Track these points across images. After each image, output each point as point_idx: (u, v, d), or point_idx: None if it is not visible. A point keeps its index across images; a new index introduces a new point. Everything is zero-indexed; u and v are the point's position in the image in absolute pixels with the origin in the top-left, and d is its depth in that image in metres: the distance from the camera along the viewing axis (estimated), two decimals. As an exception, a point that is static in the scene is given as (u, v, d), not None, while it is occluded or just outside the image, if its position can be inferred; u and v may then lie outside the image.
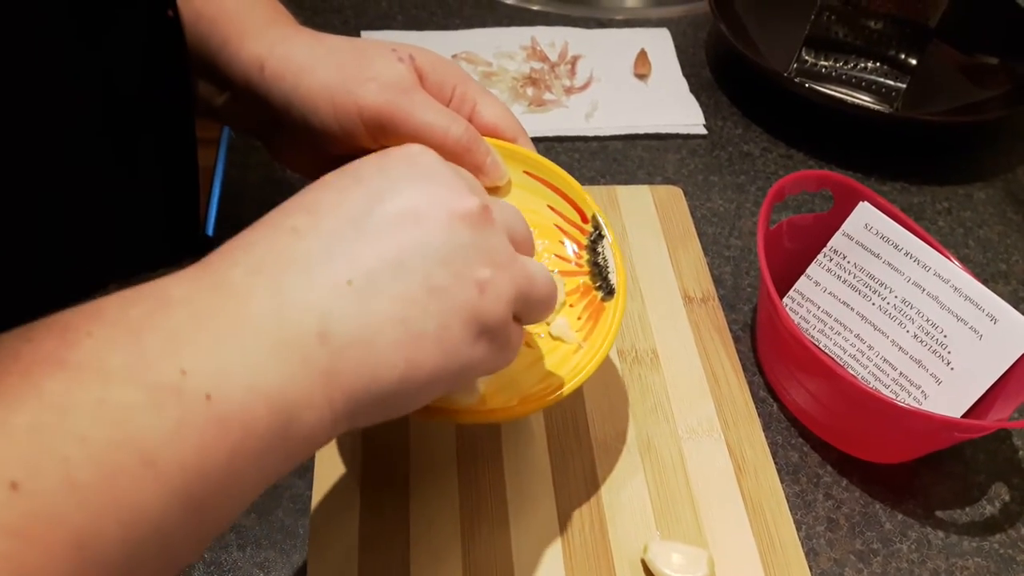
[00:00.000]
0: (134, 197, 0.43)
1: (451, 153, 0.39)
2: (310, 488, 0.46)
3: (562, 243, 0.44)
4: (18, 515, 0.21)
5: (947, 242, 0.66)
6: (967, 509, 0.50)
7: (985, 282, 0.62)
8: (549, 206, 0.44)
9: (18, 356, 0.23)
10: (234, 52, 0.41)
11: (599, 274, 0.43)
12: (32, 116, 0.35)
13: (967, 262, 0.64)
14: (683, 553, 0.42)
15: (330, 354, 0.27)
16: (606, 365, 0.52)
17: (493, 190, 0.42)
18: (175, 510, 0.24)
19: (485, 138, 0.41)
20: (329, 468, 0.46)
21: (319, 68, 0.39)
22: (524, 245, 0.34)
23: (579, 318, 0.42)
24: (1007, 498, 0.50)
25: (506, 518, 0.44)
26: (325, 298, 0.28)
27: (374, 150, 0.40)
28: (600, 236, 0.43)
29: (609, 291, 0.42)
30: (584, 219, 0.43)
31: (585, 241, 0.43)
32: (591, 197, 0.43)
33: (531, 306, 0.33)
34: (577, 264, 0.44)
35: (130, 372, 0.24)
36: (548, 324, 0.43)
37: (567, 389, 0.38)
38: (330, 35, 0.42)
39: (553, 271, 0.44)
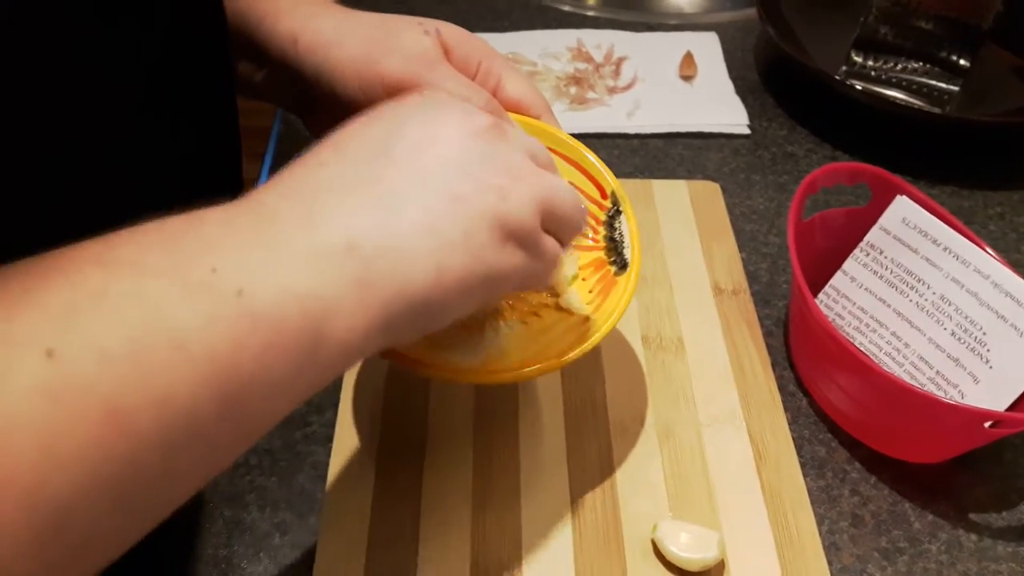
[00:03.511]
0: (177, 172, 0.45)
1: None
2: (330, 456, 0.47)
3: None
4: (53, 378, 0.21)
5: (998, 246, 0.63)
6: (1004, 513, 0.48)
7: (1037, 287, 0.60)
8: (570, 182, 0.44)
9: (61, 256, 0.24)
10: (270, 28, 0.43)
11: (614, 249, 0.43)
12: (73, 97, 0.36)
13: (1019, 266, 0.62)
14: (692, 533, 0.41)
15: (360, 263, 0.28)
16: (627, 349, 0.52)
17: None
18: (206, 398, 0.24)
19: (509, 113, 0.42)
20: (348, 435, 0.47)
21: (348, 41, 0.41)
22: (544, 164, 0.35)
23: (590, 291, 0.42)
24: (1048, 504, 0.48)
25: (518, 492, 0.44)
26: (351, 213, 0.29)
27: None
28: (618, 212, 0.43)
29: (623, 265, 0.42)
30: (604, 195, 0.44)
31: (603, 217, 0.43)
32: (612, 174, 0.44)
33: (558, 218, 0.34)
34: (593, 239, 0.44)
35: (164, 269, 0.25)
36: (558, 296, 0.43)
37: (570, 356, 0.38)
38: (362, 12, 0.44)
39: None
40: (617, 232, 0.43)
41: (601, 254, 0.43)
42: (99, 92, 0.36)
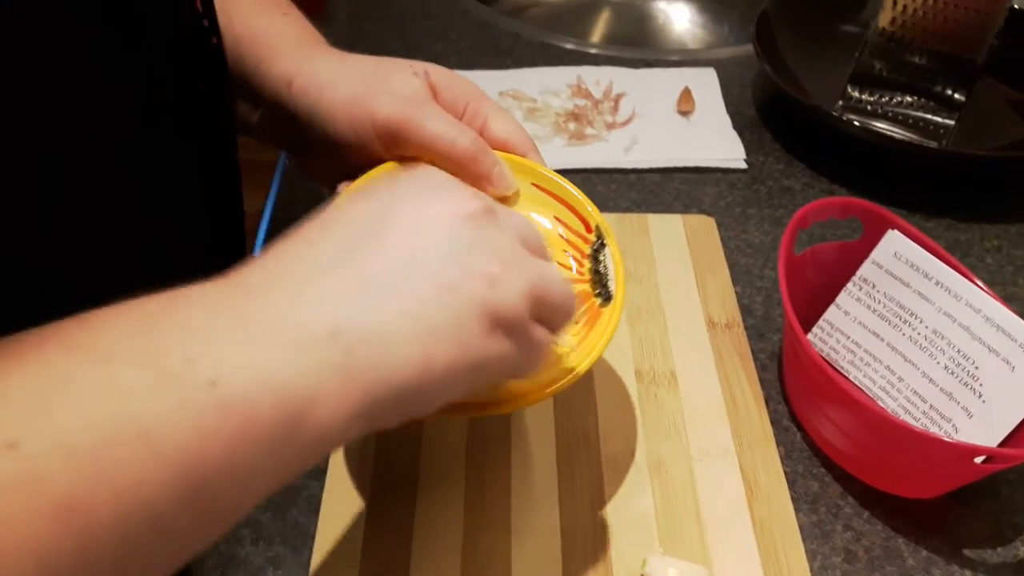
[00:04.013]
0: (179, 212, 0.46)
1: (458, 162, 0.41)
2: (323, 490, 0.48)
3: (566, 253, 0.45)
4: (11, 472, 0.21)
5: (994, 279, 0.63)
6: (998, 549, 0.47)
7: (1033, 320, 0.60)
8: (556, 217, 0.45)
9: (32, 338, 0.24)
10: (266, 71, 0.44)
11: (599, 281, 0.43)
12: (80, 135, 0.37)
13: (1015, 300, 0.62)
14: (681, 569, 0.41)
15: (344, 351, 0.27)
16: (620, 382, 0.52)
17: (501, 200, 0.43)
18: (172, 489, 0.24)
19: (496, 152, 0.43)
20: (341, 469, 0.48)
21: (340, 83, 0.42)
22: (535, 249, 0.35)
23: (576, 322, 0.43)
24: (1044, 540, 0.48)
25: (508, 525, 0.45)
26: (337, 298, 0.28)
27: (387, 159, 0.43)
28: (602, 245, 0.44)
29: (608, 297, 0.42)
30: (588, 229, 0.44)
31: (588, 250, 0.44)
32: (596, 208, 0.44)
33: (548, 306, 0.33)
34: (579, 272, 0.45)
35: (136, 356, 0.24)
36: None
37: (553, 389, 0.39)
38: (355, 55, 0.45)
39: None
40: (602, 265, 0.43)
41: (587, 287, 0.44)
42: (96, 117, 0.37)
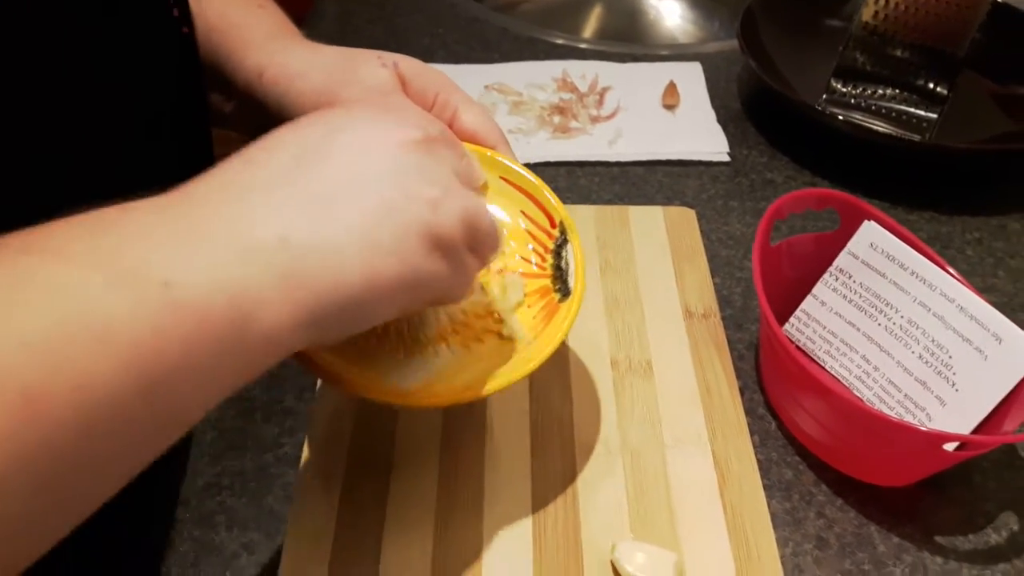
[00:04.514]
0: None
1: None
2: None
3: (529, 247, 0.46)
4: None
5: (975, 271, 0.64)
6: (970, 536, 0.48)
7: (1012, 312, 0.60)
8: (522, 211, 0.45)
9: None
10: (239, 61, 0.44)
11: (559, 277, 0.44)
12: (53, 127, 0.37)
13: (994, 291, 0.62)
14: (649, 554, 0.41)
15: (291, 258, 0.29)
16: (596, 371, 0.52)
17: None
18: (128, 385, 0.24)
19: (464, 144, 0.43)
20: (316, 453, 0.48)
21: (310, 73, 0.42)
22: (467, 182, 0.36)
23: (534, 318, 0.43)
24: (1015, 528, 0.48)
25: (480, 510, 0.45)
26: (284, 209, 0.30)
27: None
28: (565, 241, 0.44)
29: (566, 293, 0.43)
30: (553, 224, 0.45)
31: (551, 245, 0.44)
32: (562, 204, 0.45)
33: (480, 236, 0.35)
34: (540, 267, 0.45)
35: (91, 257, 0.25)
36: (502, 323, 0.44)
37: (508, 380, 0.39)
38: (328, 47, 0.45)
39: (517, 271, 0.45)
40: (563, 260, 0.44)
41: (547, 282, 0.44)
42: (62, 110, 0.37)
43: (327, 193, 0.31)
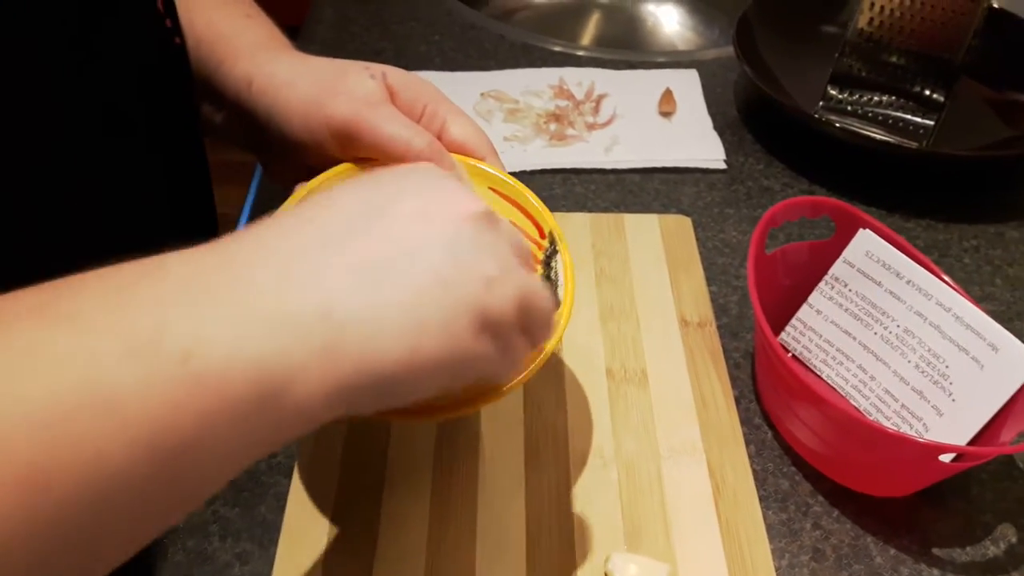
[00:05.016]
0: (148, 216, 0.46)
1: None
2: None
3: None
4: None
5: (972, 279, 0.63)
6: (968, 548, 0.47)
7: (1010, 320, 0.60)
8: (512, 222, 0.45)
9: (3, 302, 0.24)
10: (228, 71, 0.44)
11: (549, 288, 0.43)
12: (46, 139, 0.37)
13: (992, 299, 0.62)
14: (641, 565, 0.41)
15: (331, 331, 0.27)
16: (591, 380, 0.52)
17: None
18: (142, 461, 0.23)
19: (453, 155, 0.43)
20: (309, 464, 0.48)
21: (298, 83, 0.42)
22: (525, 260, 0.34)
23: None
24: (1013, 540, 0.48)
25: (474, 519, 0.45)
26: (332, 278, 0.28)
27: (344, 160, 0.43)
28: (555, 251, 0.44)
29: (556, 304, 0.42)
30: (542, 235, 0.45)
31: (541, 256, 0.44)
32: (551, 214, 0.44)
33: (533, 319, 0.33)
34: None
35: (107, 324, 0.24)
36: None
37: (499, 392, 0.39)
38: (317, 57, 0.45)
39: None
40: (553, 271, 0.43)
41: None
42: (57, 121, 0.37)
43: (379, 264, 0.29)
